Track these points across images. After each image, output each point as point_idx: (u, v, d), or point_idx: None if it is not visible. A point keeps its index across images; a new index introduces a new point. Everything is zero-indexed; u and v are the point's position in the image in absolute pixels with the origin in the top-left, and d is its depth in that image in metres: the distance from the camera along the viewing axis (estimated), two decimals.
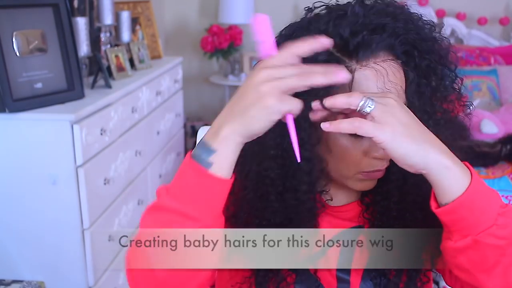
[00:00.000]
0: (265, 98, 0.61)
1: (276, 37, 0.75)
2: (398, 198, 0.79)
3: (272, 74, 0.62)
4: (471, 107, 0.80)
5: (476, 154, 2.24)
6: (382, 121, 0.63)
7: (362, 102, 0.64)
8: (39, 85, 1.77)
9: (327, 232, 0.84)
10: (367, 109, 0.64)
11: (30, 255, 1.80)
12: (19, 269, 1.80)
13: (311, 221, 0.79)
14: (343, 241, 0.83)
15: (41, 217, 1.75)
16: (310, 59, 0.68)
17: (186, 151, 3.35)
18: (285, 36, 0.75)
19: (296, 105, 0.63)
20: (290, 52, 0.64)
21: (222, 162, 0.65)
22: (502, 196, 2.23)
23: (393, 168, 0.76)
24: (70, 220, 1.76)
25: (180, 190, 0.67)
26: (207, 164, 0.65)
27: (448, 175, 0.64)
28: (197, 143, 1.14)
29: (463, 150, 0.79)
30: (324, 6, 0.77)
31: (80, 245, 1.78)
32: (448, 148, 0.71)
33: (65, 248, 1.79)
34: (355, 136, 0.72)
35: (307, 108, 0.69)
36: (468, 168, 0.68)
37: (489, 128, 2.54)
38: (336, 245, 0.84)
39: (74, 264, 1.80)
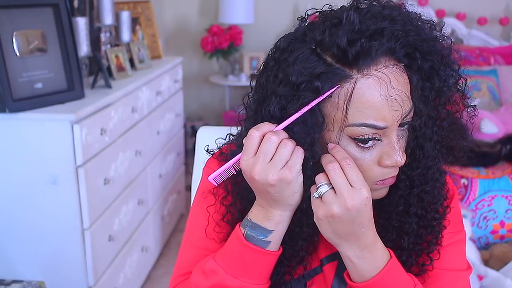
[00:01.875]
0: (283, 180, 0.70)
1: (272, 50, 0.75)
2: (402, 207, 0.79)
3: (263, 164, 0.70)
4: (475, 109, 0.79)
5: (476, 154, 2.24)
6: (326, 202, 0.70)
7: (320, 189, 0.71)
8: (39, 85, 1.77)
9: (325, 247, 0.84)
10: (319, 191, 0.70)
11: (30, 255, 1.80)
12: (19, 269, 1.80)
13: (314, 237, 0.80)
14: (338, 262, 0.84)
15: (41, 217, 1.75)
16: (309, 74, 0.68)
17: (186, 151, 3.35)
18: (282, 50, 0.73)
19: (301, 153, 0.70)
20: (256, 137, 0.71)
21: (277, 239, 0.75)
22: (502, 196, 2.23)
23: (403, 167, 0.76)
24: (70, 220, 1.76)
25: (241, 270, 0.75)
26: (265, 243, 0.75)
27: (350, 266, 0.74)
28: (196, 146, 1.15)
29: (465, 150, 0.80)
30: (318, 13, 0.75)
31: (80, 245, 1.79)
32: (450, 149, 0.77)
33: (65, 248, 1.79)
34: (365, 146, 0.71)
35: (316, 125, 0.70)
36: (385, 266, 0.73)
37: (489, 128, 2.54)
38: (332, 264, 0.84)
39: (74, 264, 1.80)
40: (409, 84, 0.71)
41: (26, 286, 1.75)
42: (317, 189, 0.71)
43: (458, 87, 0.76)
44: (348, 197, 0.68)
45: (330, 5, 0.75)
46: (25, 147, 1.70)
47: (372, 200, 0.77)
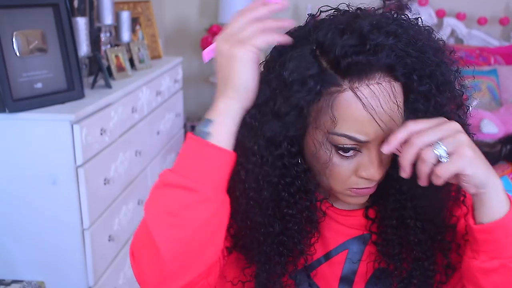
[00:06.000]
0: (231, 53, 0.67)
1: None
2: (399, 211, 0.79)
3: (226, 33, 0.69)
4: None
5: None
6: (458, 152, 0.65)
7: (436, 153, 0.65)
8: (39, 85, 1.77)
9: (333, 240, 0.84)
10: (444, 160, 0.65)
11: (30, 255, 1.80)
12: (19, 269, 1.80)
13: (312, 230, 0.80)
14: (349, 249, 0.84)
15: (41, 217, 1.75)
16: (301, 72, 0.68)
17: None
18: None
19: (265, 37, 0.67)
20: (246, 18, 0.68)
21: (221, 131, 0.68)
22: None
23: (393, 181, 0.77)
24: (70, 220, 1.76)
25: (181, 163, 0.68)
26: (206, 134, 0.68)
27: (498, 197, 0.68)
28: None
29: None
30: (329, 11, 0.74)
31: (80, 245, 1.78)
32: None
33: (65, 248, 1.79)
34: (345, 155, 0.71)
35: (294, 124, 0.70)
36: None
37: (489, 128, 2.54)
38: (341, 254, 0.84)
39: (74, 264, 1.80)
40: (402, 103, 0.70)
41: (26, 286, 1.75)
42: (440, 157, 0.65)
43: (459, 115, 0.74)
44: (447, 125, 0.66)
45: (348, 4, 0.74)
46: (25, 147, 1.70)
47: (368, 216, 0.81)
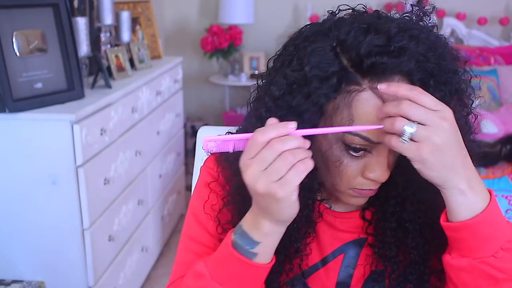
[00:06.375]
0: (270, 194, 0.63)
1: (295, 34, 0.75)
2: (399, 214, 0.79)
3: (257, 170, 0.63)
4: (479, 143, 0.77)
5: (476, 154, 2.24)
6: (419, 147, 0.63)
7: (403, 129, 0.63)
8: (39, 85, 1.77)
9: (329, 244, 0.84)
10: (402, 140, 0.63)
11: (30, 255, 1.80)
12: (19, 269, 1.80)
13: (308, 230, 0.79)
14: (345, 253, 0.84)
15: (41, 217, 1.75)
16: (323, 68, 0.67)
17: (186, 151, 3.35)
18: (304, 38, 0.72)
19: (303, 171, 0.63)
20: (258, 142, 0.64)
21: (267, 252, 0.70)
22: (502, 196, 2.23)
23: (395, 185, 0.77)
24: (70, 220, 1.76)
25: (227, 278, 0.71)
26: (252, 254, 0.69)
27: (460, 199, 0.66)
28: (196, 146, 1.15)
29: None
30: (347, 11, 0.74)
31: (80, 245, 1.79)
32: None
33: (65, 248, 1.79)
34: (355, 154, 0.71)
35: (312, 120, 0.69)
36: (491, 196, 0.69)
37: (489, 128, 2.54)
38: (338, 258, 0.84)
39: (74, 264, 1.80)
40: None
41: (26, 286, 1.75)
42: (403, 135, 0.63)
43: (468, 121, 0.75)
44: (440, 119, 0.63)
45: (364, 5, 0.75)
46: (25, 147, 1.70)
47: (367, 206, 0.79)
